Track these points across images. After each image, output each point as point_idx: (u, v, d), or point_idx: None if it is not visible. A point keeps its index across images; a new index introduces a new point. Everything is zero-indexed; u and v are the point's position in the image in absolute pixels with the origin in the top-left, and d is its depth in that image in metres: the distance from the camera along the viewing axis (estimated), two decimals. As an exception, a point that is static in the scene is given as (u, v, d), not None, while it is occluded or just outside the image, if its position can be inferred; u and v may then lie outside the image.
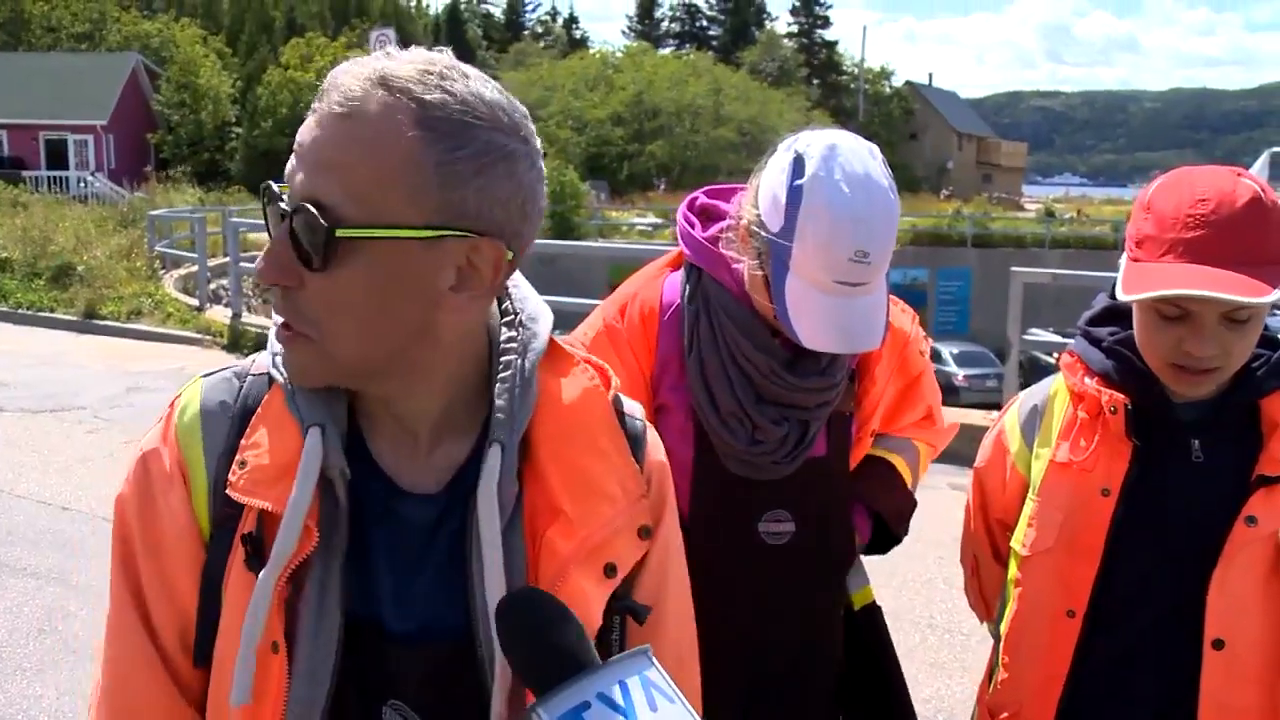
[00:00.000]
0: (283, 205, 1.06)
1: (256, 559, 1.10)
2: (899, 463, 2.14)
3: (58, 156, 41.48)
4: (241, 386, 1.19)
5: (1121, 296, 1.67)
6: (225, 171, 44.57)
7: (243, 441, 1.14)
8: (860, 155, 1.80)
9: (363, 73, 1.04)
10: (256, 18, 55.85)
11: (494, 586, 1.10)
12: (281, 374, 1.15)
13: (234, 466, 1.13)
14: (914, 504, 2.17)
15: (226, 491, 1.12)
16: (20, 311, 15.53)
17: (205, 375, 1.22)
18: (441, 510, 1.14)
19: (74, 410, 9.29)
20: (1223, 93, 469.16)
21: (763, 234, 1.82)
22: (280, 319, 1.10)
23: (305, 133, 1.06)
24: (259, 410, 1.15)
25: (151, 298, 15.48)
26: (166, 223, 20.13)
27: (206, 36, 51.66)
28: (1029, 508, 1.85)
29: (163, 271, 17.61)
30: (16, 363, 11.63)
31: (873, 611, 2.17)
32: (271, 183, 1.08)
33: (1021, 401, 1.96)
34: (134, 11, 55.53)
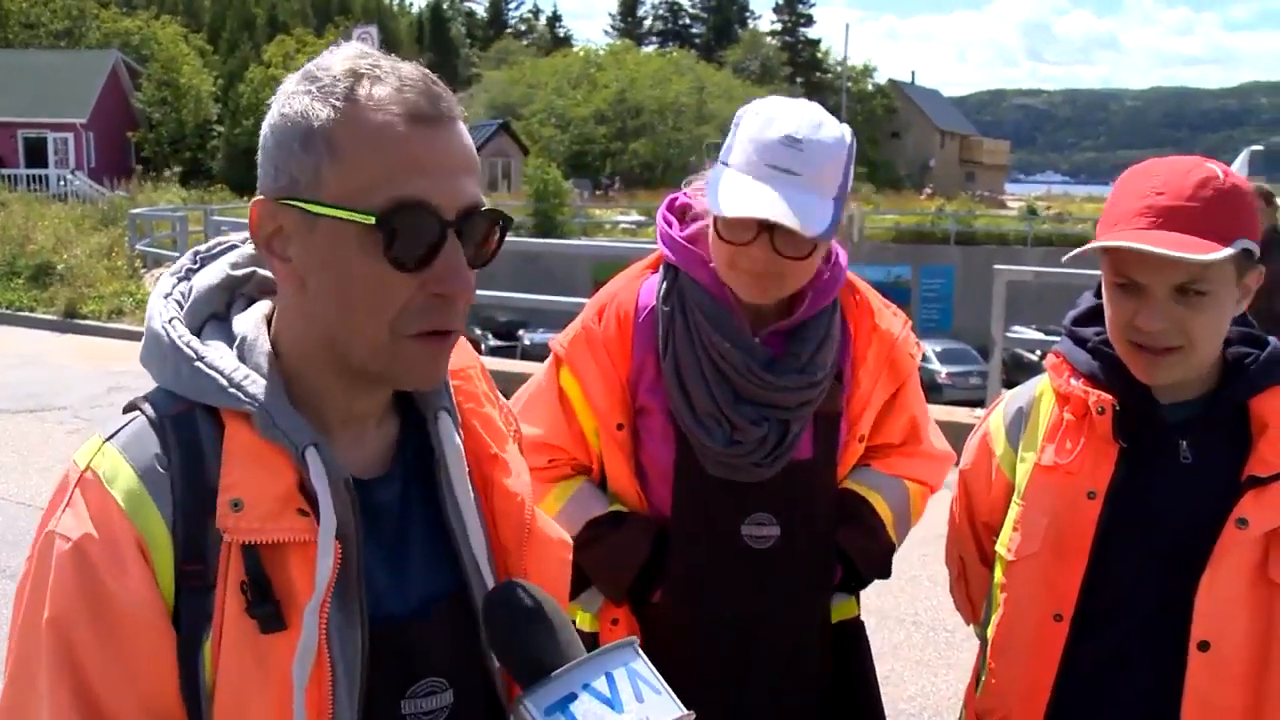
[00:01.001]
0: (488, 212, 1.11)
1: (264, 603, 1.04)
2: (878, 502, 2.07)
3: (37, 154, 41.19)
4: (165, 435, 1.10)
5: (1064, 259, 1.70)
6: (207, 170, 44.37)
7: (223, 482, 1.07)
8: (801, 101, 1.89)
9: (420, 74, 1.10)
10: (238, 15, 55.65)
11: (477, 539, 1.20)
12: (252, 403, 1.09)
13: (225, 509, 1.05)
14: (890, 548, 2.09)
15: (227, 538, 1.05)
16: (1, 311, 15.42)
17: (106, 439, 1.11)
18: (403, 485, 1.21)
19: (55, 410, 9.22)
20: (1203, 91, 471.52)
21: (711, 184, 1.87)
22: (448, 327, 1.10)
23: (435, 143, 1.07)
24: (226, 446, 1.09)
25: (132, 297, 15.38)
26: (147, 221, 20.02)
27: (188, 34, 51.43)
28: (1014, 512, 1.83)
29: (144, 270, 17.50)
30: (-4, 363, 11.55)
31: (853, 626, 2.15)
32: (478, 205, 1.09)
33: (1007, 403, 1.95)
34: (114, 8, 55.21)
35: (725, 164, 1.86)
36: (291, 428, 1.09)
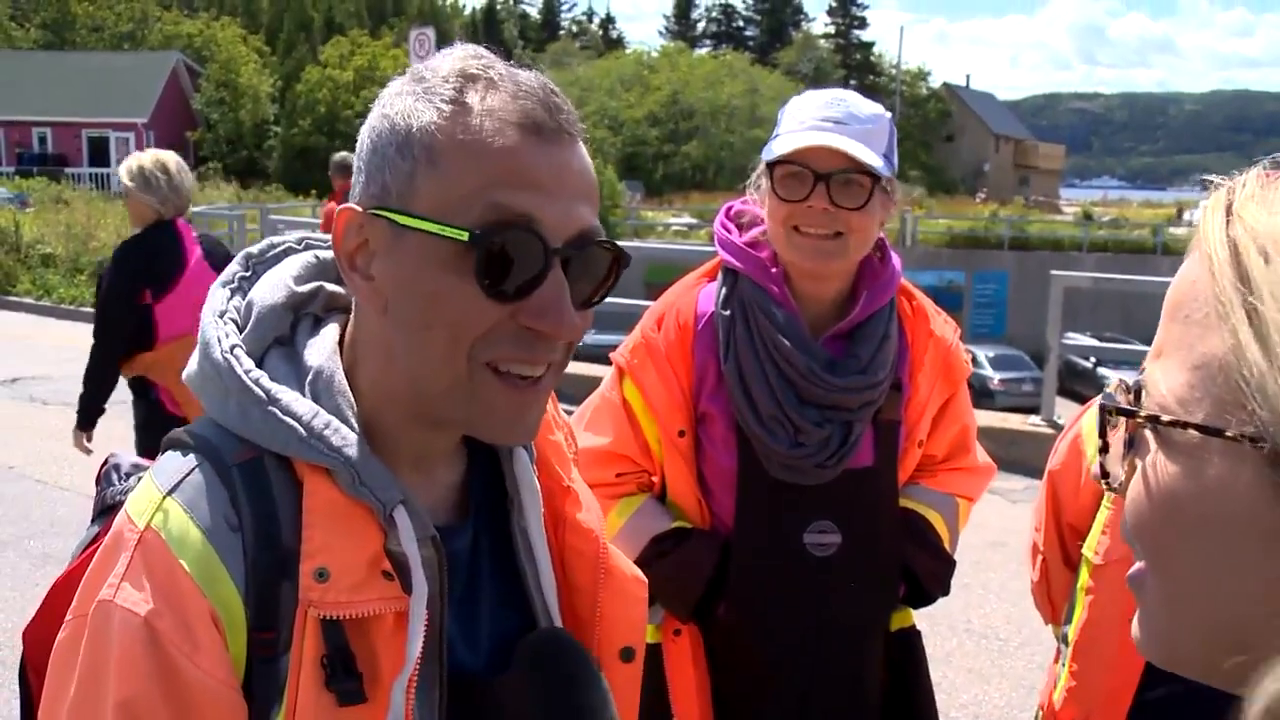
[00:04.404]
0: (605, 244, 0.98)
1: (348, 675, 0.95)
2: (937, 520, 2.09)
3: (100, 153, 42.03)
4: (233, 487, 0.98)
5: None
6: (263, 170, 45.01)
7: (305, 547, 0.96)
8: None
9: (540, 83, 0.98)
10: (295, 16, 56.30)
11: (548, 582, 1.13)
12: (336, 457, 0.98)
13: (309, 579, 0.95)
14: (953, 566, 2.12)
15: (313, 612, 0.95)
16: (63, 306, 15.73)
17: (166, 492, 0.97)
18: (474, 532, 1.12)
19: (115, 405, 9.35)
20: (1265, 94, 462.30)
21: (762, 161, 1.95)
22: (533, 370, 0.98)
23: (550, 160, 0.95)
24: (306, 504, 0.97)
25: (191, 294, 15.64)
26: (205, 219, 20.31)
27: (246, 35, 52.24)
28: (1103, 514, 1.81)
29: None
30: (59, 356, 11.76)
31: (910, 634, 2.15)
32: (593, 235, 0.97)
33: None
34: (175, 11, 56.20)
35: (775, 135, 1.94)
36: (379, 485, 0.98)
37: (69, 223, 19.40)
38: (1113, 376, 0.71)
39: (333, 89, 45.66)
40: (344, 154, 8.90)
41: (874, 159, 1.86)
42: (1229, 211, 0.63)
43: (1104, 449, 0.71)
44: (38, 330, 13.96)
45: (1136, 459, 0.66)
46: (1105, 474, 0.71)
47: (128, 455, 1.25)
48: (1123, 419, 0.67)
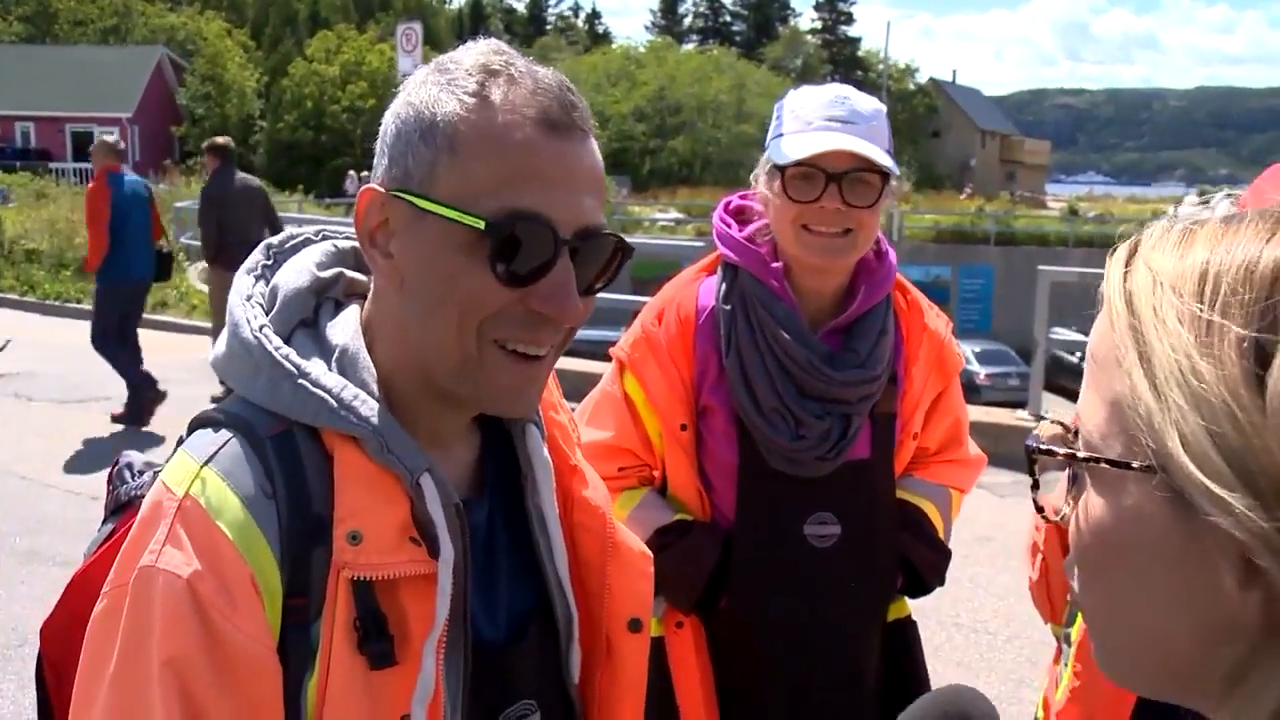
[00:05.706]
0: (609, 237, 1.05)
1: (380, 638, 0.99)
2: (931, 511, 2.12)
3: (84, 148, 41.57)
4: (267, 458, 1.02)
5: None
6: (248, 165, 44.89)
7: (338, 513, 1.00)
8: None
9: (557, 81, 1.03)
10: (280, 11, 56.11)
11: (560, 556, 1.17)
12: (364, 426, 1.02)
13: (342, 542, 0.99)
14: (949, 556, 2.15)
15: (346, 573, 0.99)
16: (48, 302, 15.66)
17: (203, 462, 1.01)
18: (490, 506, 1.17)
19: (100, 401, 9.35)
20: (1249, 91, 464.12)
21: (768, 161, 1.96)
22: (537, 350, 1.04)
23: (563, 156, 1.00)
24: (338, 472, 1.02)
25: (176, 290, 15.57)
26: (190, 213, 20.24)
27: (231, 29, 52.06)
28: None
29: (187, 264, 17.70)
30: (45, 353, 11.71)
31: (906, 625, 2.18)
32: (600, 228, 1.03)
33: None
34: (160, 4, 55.95)
35: (780, 135, 1.93)
36: (406, 454, 1.03)
37: (53, 218, 19.29)
38: (1046, 417, 0.78)
39: (319, 84, 45.59)
40: (110, 138, 8.77)
41: (885, 158, 1.88)
42: (1128, 263, 0.69)
43: (1035, 485, 0.76)
44: (21, 326, 13.88)
45: (1078, 492, 0.71)
46: (1040, 509, 0.76)
47: (138, 455, 1.27)
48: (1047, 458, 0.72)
